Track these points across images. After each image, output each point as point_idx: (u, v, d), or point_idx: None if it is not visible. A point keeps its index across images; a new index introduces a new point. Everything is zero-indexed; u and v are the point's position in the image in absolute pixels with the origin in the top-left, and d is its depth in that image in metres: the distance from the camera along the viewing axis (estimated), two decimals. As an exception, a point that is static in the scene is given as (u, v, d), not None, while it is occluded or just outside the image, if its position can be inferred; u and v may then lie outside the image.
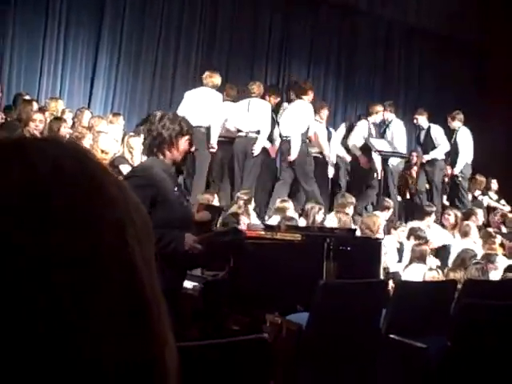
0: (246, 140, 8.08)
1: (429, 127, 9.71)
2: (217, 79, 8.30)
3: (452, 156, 9.64)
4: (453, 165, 9.62)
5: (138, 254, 0.55)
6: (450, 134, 9.76)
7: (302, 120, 8.29)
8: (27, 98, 7.92)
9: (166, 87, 9.93)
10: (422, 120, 9.79)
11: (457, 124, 9.72)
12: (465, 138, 9.59)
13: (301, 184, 8.30)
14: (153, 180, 3.43)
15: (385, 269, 5.70)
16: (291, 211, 7.05)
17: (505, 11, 12.10)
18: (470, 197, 9.88)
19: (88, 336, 0.49)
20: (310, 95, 8.63)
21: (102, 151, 6.81)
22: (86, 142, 6.66)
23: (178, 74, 9.99)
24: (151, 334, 0.54)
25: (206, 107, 7.91)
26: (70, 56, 9.09)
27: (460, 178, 9.54)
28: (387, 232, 6.87)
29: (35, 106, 7.43)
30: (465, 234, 7.49)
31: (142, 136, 4.00)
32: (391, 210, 7.98)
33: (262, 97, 8.49)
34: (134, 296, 0.53)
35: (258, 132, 8.08)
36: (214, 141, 8.08)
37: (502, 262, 6.56)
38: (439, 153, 9.57)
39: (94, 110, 8.74)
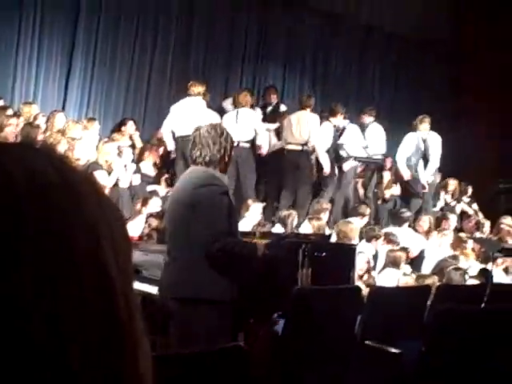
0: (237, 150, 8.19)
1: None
2: (201, 88, 8.43)
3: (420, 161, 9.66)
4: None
5: (112, 262, 0.54)
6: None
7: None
8: (0, 103, 7.84)
9: (142, 90, 9.87)
10: (368, 119, 9.79)
11: (424, 127, 9.69)
12: (435, 144, 9.63)
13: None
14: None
15: (360, 275, 5.72)
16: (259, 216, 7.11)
17: (475, 13, 12.26)
18: (442, 202, 9.97)
19: (57, 344, 0.49)
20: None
21: (77, 159, 6.77)
22: (61, 148, 6.61)
23: (154, 77, 9.94)
24: (122, 342, 0.54)
25: (194, 117, 7.95)
26: (44, 59, 8.97)
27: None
28: (366, 239, 6.90)
29: (9, 111, 7.35)
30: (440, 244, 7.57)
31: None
32: (367, 216, 8.02)
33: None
34: (105, 303, 0.53)
35: (248, 142, 8.27)
36: None
37: (474, 267, 6.65)
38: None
39: (68, 114, 8.65)
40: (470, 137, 11.62)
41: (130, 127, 8.76)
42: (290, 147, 8.50)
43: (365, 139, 9.40)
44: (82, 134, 7.53)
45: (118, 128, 8.85)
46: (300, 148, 8.48)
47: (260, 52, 11.01)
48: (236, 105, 8.65)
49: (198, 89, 8.33)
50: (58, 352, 0.49)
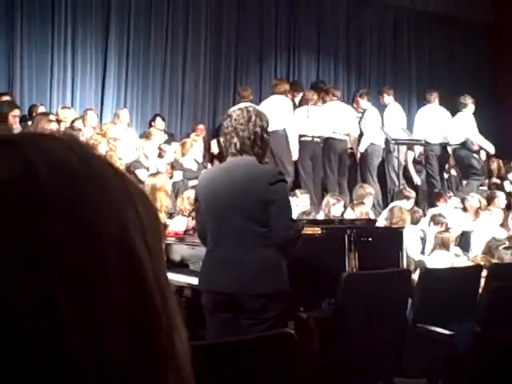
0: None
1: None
2: (286, 86, 8.71)
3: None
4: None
5: (141, 243, 0.54)
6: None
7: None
8: (42, 109, 7.97)
9: (177, 88, 9.94)
10: (388, 99, 9.68)
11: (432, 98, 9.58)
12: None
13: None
14: None
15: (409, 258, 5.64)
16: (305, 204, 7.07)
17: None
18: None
19: (84, 335, 0.48)
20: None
21: (120, 158, 6.86)
22: (102, 149, 6.69)
23: (188, 74, 10.01)
24: (156, 323, 0.53)
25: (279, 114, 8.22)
26: (80, 62, 9.13)
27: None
28: (412, 222, 6.82)
29: (51, 117, 7.48)
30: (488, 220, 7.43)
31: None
32: (412, 199, 7.91)
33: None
34: (135, 287, 0.52)
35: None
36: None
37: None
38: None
39: (106, 116, 8.77)
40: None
41: (159, 123, 8.85)
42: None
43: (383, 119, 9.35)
44: (122, 134, 7.61)
45: (149, 126, 8.95)
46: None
47: (292, 41, 10.97)
48: (304, 102, 8.81)
49: (284, 87, 8.57)
50: (87, 338, 0.48)
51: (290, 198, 6.96)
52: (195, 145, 8.05)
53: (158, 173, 6.98)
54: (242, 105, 8.25)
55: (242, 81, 10.19)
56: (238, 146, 3.40)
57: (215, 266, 3.41)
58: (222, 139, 3.51)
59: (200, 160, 8.15)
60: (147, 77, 9.66)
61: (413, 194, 8.01)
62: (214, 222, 3.44)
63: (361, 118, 9.38)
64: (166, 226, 5.44)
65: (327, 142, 8.84)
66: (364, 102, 9.57)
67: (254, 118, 3.45)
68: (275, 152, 8.14)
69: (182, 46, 9.97)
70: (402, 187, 8.54)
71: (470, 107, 9.54)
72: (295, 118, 8.50)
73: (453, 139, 9.53)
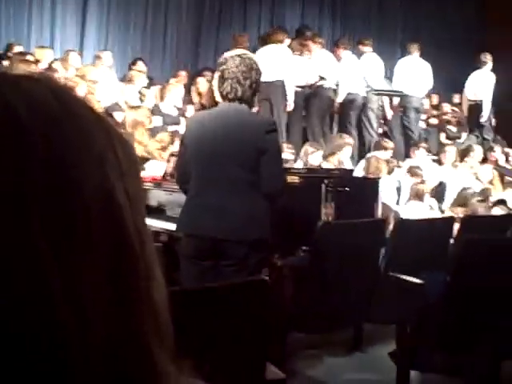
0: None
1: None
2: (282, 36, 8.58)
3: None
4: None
5: (121, 190, 0.53)
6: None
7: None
8: (19, 49, 7.81)
9: (159, 30, 9.77)
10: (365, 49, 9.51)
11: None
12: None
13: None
14: None
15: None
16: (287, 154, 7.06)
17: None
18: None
19: (65, 284, 0.48)
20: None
21: (98, 101, 6.78)
22: (81, 91, 6.60)
23: (170, 17, 9.83)
24: (135, 270, 0.53)
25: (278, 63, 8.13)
26: (60, 2, 8.89)
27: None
28: (388, 172, 6.88)
29: (29, 57, 7.33)
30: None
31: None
32: (390, 150, 7.95)
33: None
34: (115, 235, 0.52)
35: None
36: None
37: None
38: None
39: (87, 58, 8.62)
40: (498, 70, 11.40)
41: (140, 67, 8.68)
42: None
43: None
44: (101, 76, 7.50)
45: (130, 68, 8.78)
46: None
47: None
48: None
49: (280, 37, 8.48)
50: (69, 284, 0.48)
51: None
52: (174, 90, 7.98)
53: (139, 106, 6.91)
54: (239, 51, 8.09)
55: (225, 26, 10.04)
56: (240, 93, 3.38)
57: (198, 212, 3.37)
58: (218, 83, 3.46)
59: (180, 105, 8.09)
60: (129, 18, 9.46)
61: (391, 144, 8.06)
62: (200, 168, 3.39)
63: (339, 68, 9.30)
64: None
65: (314, 91, 8.78)
66: (342, 52, 9.39)
67: (255, 66, 3.44)
68: (274, 102, 8.11)
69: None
70: (379, 138, 8.56)
71: (489, 65, 9.57)
72: (292, 68, 8.40)
73: (470, 95, 9.56)
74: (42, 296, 0.47)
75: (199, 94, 8.73)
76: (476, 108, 9.90)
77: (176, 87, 8.11)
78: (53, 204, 0.49)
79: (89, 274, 0.49)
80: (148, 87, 8.24)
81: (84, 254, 0.50)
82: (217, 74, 3.50)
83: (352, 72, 9.06)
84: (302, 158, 7.07)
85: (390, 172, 6.80)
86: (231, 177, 3.32)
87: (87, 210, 0.50)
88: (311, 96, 8.80)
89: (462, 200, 5.99)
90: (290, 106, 8.39)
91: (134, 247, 0.53)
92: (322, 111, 8.91)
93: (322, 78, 8.73)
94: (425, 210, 5.96)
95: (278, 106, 8.21)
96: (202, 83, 8.76)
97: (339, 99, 9.08)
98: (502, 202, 6.07)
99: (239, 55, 3.51)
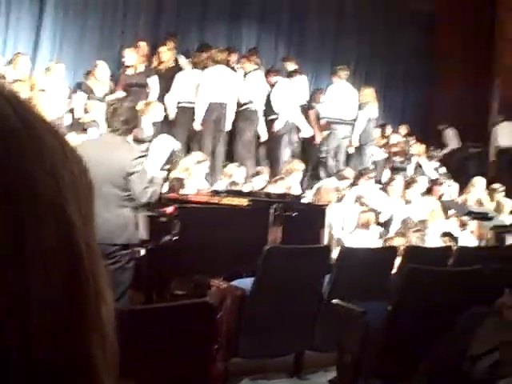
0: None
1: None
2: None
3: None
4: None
5: (75, 209, 0.53)
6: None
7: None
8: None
9: (114, 40, 9.68)
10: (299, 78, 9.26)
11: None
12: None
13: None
14: None
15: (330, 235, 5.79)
16: (238, 176, 7.08)
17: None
18: (412, 165, 10.10)
19: (12, 305, 0.48)
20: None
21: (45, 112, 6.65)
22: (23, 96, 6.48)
23: (127, 28, 9.77)
24: (85, 292, 0.53)
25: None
26: (14, 9, 8.73)
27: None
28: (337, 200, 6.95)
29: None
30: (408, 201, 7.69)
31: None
32: (348, 179, 8.01)
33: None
34: (68, 250, 0.51)
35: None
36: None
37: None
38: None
39: (40, 64, 8.45)
40: (443, 100, 11.73)
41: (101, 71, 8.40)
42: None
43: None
44: (52, 86, 7.39)
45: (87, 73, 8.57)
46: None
47: (234, 11, 10.86)
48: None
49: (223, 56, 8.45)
50: (15, 301, 0.48)
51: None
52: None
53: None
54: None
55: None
56: (119, 124, 4.34)
57: None
58: (109, 114, 4.45)
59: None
60: (84, 32, 9.34)
61: (350, 174, 8.11)
62: None
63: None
64: None
65: (244, 112, 8.47)
66: (273, 78, 9.05)
67: (128, 105, 4.49)
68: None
69: (121, 5, 9.72)
70: (340, 168, 8.59)
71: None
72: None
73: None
74: None
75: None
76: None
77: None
78: (3, 211, 0.48)
79: (37, 293, 0.49)
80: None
81: (33, 270, 0.49)
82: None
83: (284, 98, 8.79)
84: (246, 180, 7.11)
85: (338, 200, 6.89)
86: (105, 194, 4.06)
87: (42, 229, 0.50)
88: (242, 117, 8.47)
89: (402, 230, 6.10)
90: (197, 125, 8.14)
91: (85, 267, 0.53)
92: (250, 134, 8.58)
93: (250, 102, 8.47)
94: (370, 238, 6.04)
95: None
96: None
97: (277, 127, 8.63)
98: (448, 235, 6.23)
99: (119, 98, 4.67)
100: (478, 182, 9.06)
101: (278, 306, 3.96)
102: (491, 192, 9.05)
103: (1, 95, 0.53)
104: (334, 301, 4.09)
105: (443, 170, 10.39)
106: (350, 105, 9.21)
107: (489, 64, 11.66)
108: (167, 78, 8.41)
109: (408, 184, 8.30)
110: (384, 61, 12.03)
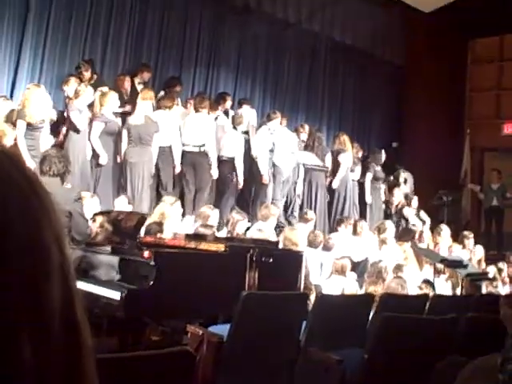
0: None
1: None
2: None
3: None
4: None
5: (54, 245, 0.55)
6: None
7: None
8: None
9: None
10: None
11: None
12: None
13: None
14: None
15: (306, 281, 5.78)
16: (212, 219, 7.07)
17: (428, 39, 12.52)
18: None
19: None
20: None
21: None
22: (8, 142, 6.45)
23: (107, 61, 9.82)
24: (63, 333, 0.53)
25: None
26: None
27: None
28: (312, 245, 6.96)
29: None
30: (382, 243, 7.75)
31: None
32: (312, 221, 8.11)
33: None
34: (43, 275, 0.53)
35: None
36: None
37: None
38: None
39: (18, 92, 8.38)
40: (415, 156, 11.98)
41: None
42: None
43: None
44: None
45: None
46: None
47: (212, 57, 11.01)
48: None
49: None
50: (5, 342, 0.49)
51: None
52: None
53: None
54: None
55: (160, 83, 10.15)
56: (56, 171, 4.99)
57: None
58: (45, 164, 5.02)
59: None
60: (64, 55, 9.32)
61: (312, 216, 8.23)
62: None
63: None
64: None
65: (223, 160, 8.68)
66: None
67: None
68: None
69: (102, 34, 9.76)
70: (305, 210, 8.70)
71: None
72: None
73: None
74: None
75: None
76: None
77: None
78: None
79: (8, 338, 0.50)
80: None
81: (24, 308, 0.51)
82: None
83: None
84: (229, 226, 7.10)
85: (316, 246, 6.90)
86: None
87: (22, 262, 0.51)
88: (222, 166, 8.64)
89: (375, 276, 6.11)
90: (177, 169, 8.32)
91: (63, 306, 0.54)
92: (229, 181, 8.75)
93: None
94: (347, 284, 6.05)
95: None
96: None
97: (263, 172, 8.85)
98: (427, 282, 6.26)
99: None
100: (443, 230, 9.26)
101: (256, 352, 3.93)
102: (462, 238, 9.21)
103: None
104: (311, 348, 4.07)
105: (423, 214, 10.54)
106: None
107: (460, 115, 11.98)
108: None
109: (379, 229, 8.38)
110: (355, 120, 12.36)
